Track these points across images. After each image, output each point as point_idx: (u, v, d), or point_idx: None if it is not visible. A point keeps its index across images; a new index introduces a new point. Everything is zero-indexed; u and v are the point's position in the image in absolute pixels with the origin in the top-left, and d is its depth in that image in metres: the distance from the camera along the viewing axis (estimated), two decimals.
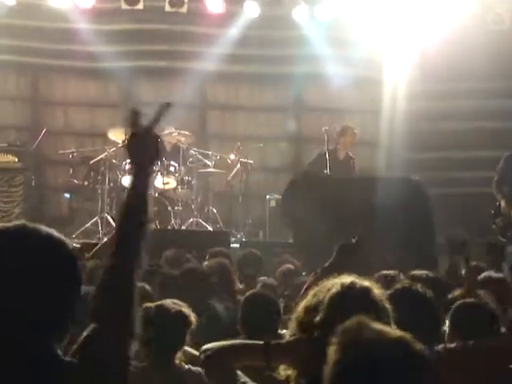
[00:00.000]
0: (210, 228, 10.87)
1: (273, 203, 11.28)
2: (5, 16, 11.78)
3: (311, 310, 2.38)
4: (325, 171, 9.48)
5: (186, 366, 3.79)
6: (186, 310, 3.86)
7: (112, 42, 12.22)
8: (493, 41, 11.28)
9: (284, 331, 4.31)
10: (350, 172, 10.06)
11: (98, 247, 6.59)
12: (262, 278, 6.51)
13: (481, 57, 11.05)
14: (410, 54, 11.87)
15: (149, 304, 3.86)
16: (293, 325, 2.45)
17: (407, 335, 1.75)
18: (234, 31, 12.12)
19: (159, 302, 3.91)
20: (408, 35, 11.88)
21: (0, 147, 11.22)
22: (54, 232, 1.94)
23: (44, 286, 1.84)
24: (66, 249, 1.94)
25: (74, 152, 11.35)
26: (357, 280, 2.42)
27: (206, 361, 2.57)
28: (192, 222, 10.88)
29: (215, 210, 11.32)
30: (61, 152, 11.68)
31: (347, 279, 2.42)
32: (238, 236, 10.98)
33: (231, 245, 9.74)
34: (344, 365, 1.69)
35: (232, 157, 11.32)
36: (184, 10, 11.80)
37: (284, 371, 2.43)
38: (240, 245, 9.99)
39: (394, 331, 1.79)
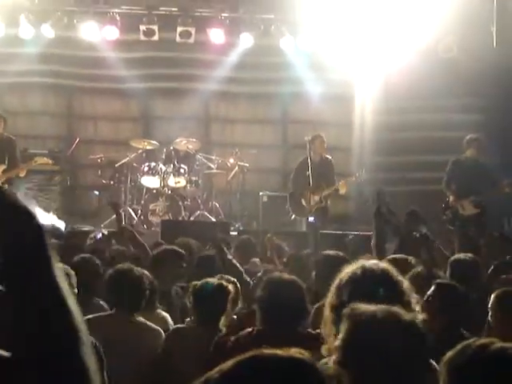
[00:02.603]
0: (213, 219, 11.25)
1: (264, 199, 11.68)
2: (45, 46, 12.21)
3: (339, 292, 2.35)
4: (307, 173, 9.87)
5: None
6: (225, 282, 4.21)
7: (133, 67, 12.72)
8: (443, 66, 11.72)
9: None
10: (327, 172, 10.20)
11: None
12: (252, 260, 6.89)
13: (434, 79, 11.58)
14: (376, 76, 12.35)
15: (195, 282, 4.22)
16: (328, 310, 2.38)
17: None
18: (232, 58, 12.58)
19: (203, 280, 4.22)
20: (374, 61, 12.34)
21: (41, 153, 11.42)
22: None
23: None
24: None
25: (101, 157, 11.76)
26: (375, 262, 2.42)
27: None
28: (198, 214, 11.29)
29: (217, 205, 11.73)
30: (91, 157, 12.09)
31: (368, 262, 2.42)
32: (236, 225, 11.35)
33: (231, 233, 10.03)
34: None
35: (231, 161, 11.78)
36: (191, 40, 12.15)
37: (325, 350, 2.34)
38: (238, 233, 10.28)
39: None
